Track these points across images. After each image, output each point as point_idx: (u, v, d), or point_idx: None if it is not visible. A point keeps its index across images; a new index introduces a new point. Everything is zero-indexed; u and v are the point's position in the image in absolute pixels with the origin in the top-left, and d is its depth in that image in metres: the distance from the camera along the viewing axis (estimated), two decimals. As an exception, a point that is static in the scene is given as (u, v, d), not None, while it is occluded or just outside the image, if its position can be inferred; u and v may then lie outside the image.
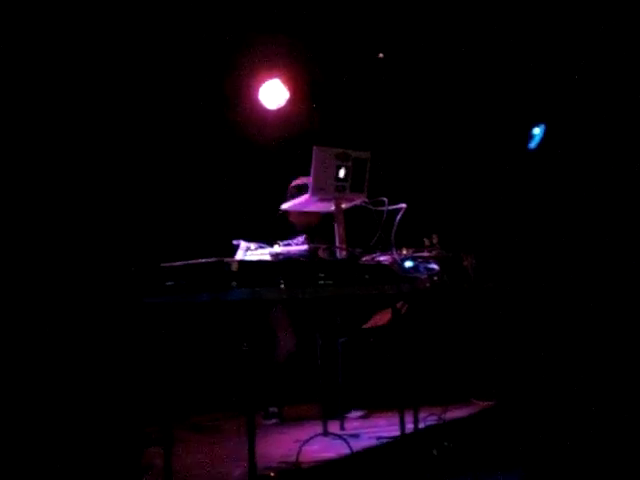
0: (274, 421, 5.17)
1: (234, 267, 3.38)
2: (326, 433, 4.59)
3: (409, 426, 4.36)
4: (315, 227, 5.00)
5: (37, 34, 4.70)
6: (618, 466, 3.76)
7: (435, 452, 4.07)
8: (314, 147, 4.23)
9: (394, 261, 4.27)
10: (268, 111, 6.06)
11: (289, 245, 3.95)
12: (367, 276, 4.14)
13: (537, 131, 7.33)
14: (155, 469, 3.92)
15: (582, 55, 6.69)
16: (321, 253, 3.96)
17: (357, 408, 5.34)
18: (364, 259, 4.24)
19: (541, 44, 6.59)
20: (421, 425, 4.54)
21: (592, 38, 6.55)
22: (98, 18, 5.04)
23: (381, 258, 4.30)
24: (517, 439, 4.32)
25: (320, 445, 4.36)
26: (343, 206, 4.43)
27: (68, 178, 4.98)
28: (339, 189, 4.34)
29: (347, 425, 5.00)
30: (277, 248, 3.89)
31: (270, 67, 6.08)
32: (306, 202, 4.37)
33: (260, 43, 6.03)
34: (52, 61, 4.82)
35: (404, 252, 4.50)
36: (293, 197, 4.66)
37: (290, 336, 5.22)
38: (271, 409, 5.22)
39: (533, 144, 7.34)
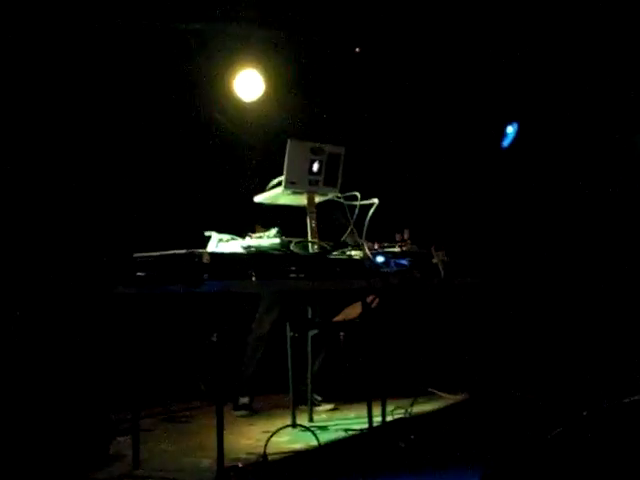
0: (244, 412, 5.19)
1: (205, 259, 3.39)
2: (295, 425, 4.62)
3: (377, 419, 4.42)
4: None
5: None
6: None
7: (402, 445, 4.11)
8: (288, 140, 4.25)
9: (365, 256, 4.30)
10: (243, 102, 6.05)
11: (261, 238, 3.95)
12: (338, 270, 4.17)
13: (510, 129, 7.39)
14: (123, 458, 3.93)
15: (556, 53, 6.76)
16: (293, 247, 3.98)
17: (326, 401, 5.37)
18: (335, 253, 4.26)
19: (515, 42, 6.65)
20: (389, 418, 4.60)
21: (565, 36, 6.62)
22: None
23: (352, 253, 4.33)
24: (483, 435, 4.38)
25: (288, 437, 4.39)
26: (316, 200, 4.45)
27: (40, 168, 4.96)
28: (312, 183, 4.36)
29: (316, 417, 5.04)
30: (249, 240, 3.91)
31: (246, 58, 6.06)
32: (278, 195, 4.38)
33: (237, 33, 6.03)
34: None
35: (375, 247, 4.54)
36: None
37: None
38: (241, 400, 5.24)
39: (506, 142, 7.40)
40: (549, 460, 3.69)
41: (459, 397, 5.54)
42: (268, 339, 5.21)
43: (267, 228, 4.00)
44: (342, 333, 5.27)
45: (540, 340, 6.75)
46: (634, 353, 6.38)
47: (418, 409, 4.99)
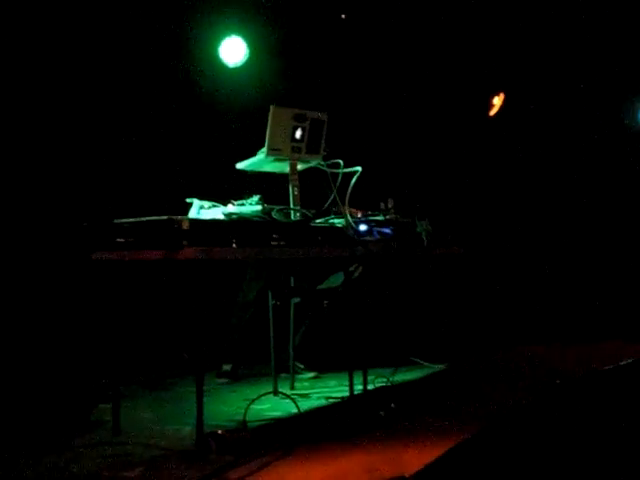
0: (226, 380, 5.19)
1: (185, 225, 3.36)
2: (276, 392, 4.62)
3: (358, 387, 4.43)
4: None
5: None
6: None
7: (382, 413, 4.12)
8: (271, 106, 4.21)
9: (348, 224, 4.28)
10: (227, 68, 5.98)
11: (243, 205, 3.92)
12: (320, 238, 4.15)
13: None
14: (103, 425, 3.92)
15: (541, 24, 6.73)
16: (275, 214, 3.95)
17: (308, 369, 5.38)
18: (318, 221, 4.24)
19: (501, 11, 6.61)
20: (370, 387, 4.61)
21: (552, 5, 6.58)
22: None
23: (335, 221, 4.31)
24: (463, 402, 4.39)
25: (269, 404, 4.40)
26: (298, 167, 4.42)
27: (17, 131, 4.89)
28: (295, 150, 4.33)
29: (297, 385, 5.04)
30: (230, 207, 3.88)
31: (231, 24, 5.99)
32: (261, 162, 4.35)
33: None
34: None
35: (358, 215, 4.51)
36: None
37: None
38: (224, 368, 5.24)
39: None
40: (526, 427, 3.73)
41: (441, 366, 5.56)
42: (254, 306, 5.20)
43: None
44: (325, 301, 5.25)
45: (520, 310, 6.80)
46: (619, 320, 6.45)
47: (400, 378, 5.01)
